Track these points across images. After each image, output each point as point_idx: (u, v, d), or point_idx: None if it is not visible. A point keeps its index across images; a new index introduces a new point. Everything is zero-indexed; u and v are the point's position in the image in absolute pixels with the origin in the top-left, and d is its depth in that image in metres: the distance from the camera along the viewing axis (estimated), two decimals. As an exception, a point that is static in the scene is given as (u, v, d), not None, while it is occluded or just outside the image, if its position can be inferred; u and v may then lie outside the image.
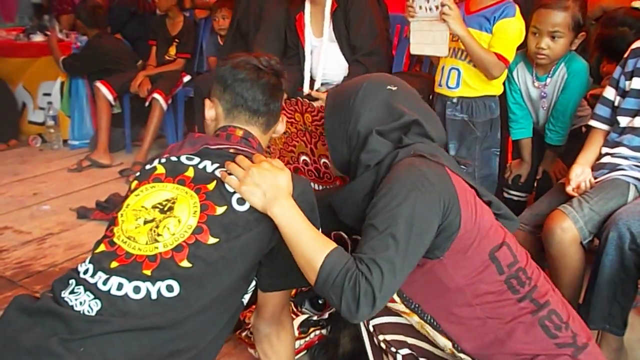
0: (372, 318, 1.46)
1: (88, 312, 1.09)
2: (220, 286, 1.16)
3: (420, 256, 1.16)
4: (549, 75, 2.16)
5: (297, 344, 1.85)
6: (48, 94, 4.39)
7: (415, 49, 2.17)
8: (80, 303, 1.11)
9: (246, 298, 1.29)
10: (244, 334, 1.86)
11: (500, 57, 2.05)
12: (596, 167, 1.88)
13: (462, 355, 1.28)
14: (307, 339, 1.88)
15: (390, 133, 1.31)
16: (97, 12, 4.21)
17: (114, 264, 1.14)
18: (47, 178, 3.75)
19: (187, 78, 4.06)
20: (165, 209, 1.21)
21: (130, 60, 4.27)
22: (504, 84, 2.23)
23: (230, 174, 1.21)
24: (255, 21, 3.00)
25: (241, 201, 1.20)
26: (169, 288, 1.12)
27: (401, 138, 1.30)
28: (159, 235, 1.17)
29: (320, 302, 1.94)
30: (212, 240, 1.16)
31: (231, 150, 1.29)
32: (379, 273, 1.07)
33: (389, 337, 1.42)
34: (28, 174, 3.81)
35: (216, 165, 1.26)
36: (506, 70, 2.14)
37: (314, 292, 1.90)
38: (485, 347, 1.23)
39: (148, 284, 1.12)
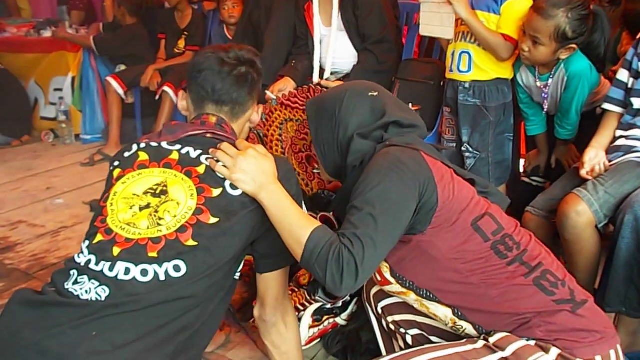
0: (380, 300, 1.50)
1: (97, 298, 1.10)
2: (221, 261, 1.20)
3: (400, 232, 1.22)
4: (551, 76, 2.08)
5: (311, 332, 1.86)
6: (59, 89, 4.42)
7: (424, 30, 2.21)
8: (86, 292, 1.12)
9: (237, 276, 1.32)
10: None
11: (507, 38, 2.04)
12: (610, 150, 1.86)
13: (463, 324, 1.30)
14: (321, 327, 1.89)
15: (371, 133, 1.38)
16: (140, 1, 4.28)
17: (116, 250, 1.16)
18: (60, 172, 3.78)
19: (197, 71, 4.06)
20: (158, 192, 1.24)
21: (151, 54, 4.30)
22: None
23: (218, 161, 1.27)
24: (266, 12, 3.00)
25: (234, 186, 1.25)
26: (176, 268, 1.14)
27: (382, 136, 1.37)
28: (160, 219, 1.20)
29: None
30: (212, 220, 1.21)
31: (208, 135, 1.34)
32: (360, 245, 1.14)
33: (397, 318, 1.47)
34: (41, 169, 3.84)
35: (199, 151, 1.30)
36: (516, 52, 2.11)
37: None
38: (484, 311, 1.26)
39: (155, 266, 1.14)
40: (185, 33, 4.11)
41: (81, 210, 3.14)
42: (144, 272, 1.13)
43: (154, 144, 1.33)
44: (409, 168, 1.23)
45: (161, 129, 1.37)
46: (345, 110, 1.41)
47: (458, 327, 1.32)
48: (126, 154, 1.33)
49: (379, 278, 1.38)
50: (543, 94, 2.13)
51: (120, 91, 4.00)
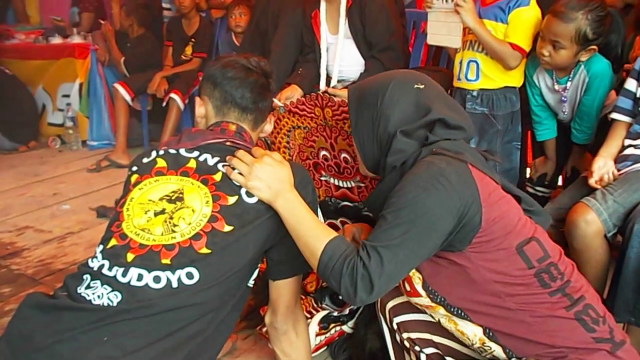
0: (397, 315, 1.44)
1: (108, 304, 1.10)
2: (234, 268, 1.20)
3: (428, 251, 1.17)
4: (570, 79, 2.08)
5: (318, 339, 1.85)
6: (67, 96, 4.46)
7: (432, 39, 2.22)
8: (99, 297, 1.12)
9: (251, 283, 1.32)
10: (264, 329, 1.86)
11: (515, 46, 2.04)
12: (619, 159, 1.85)
13: (492, 345, 1.26)
14: (328, 334, 1.88)
15: (415, 132, 1.29)
16: (147, 10, 4.33)
17: (130, 256, 1.16)
18: (66, 178, 3.80)
19: (203, 77, 4.08)
20: (174, 198, 1.24)
21: (160, 60, 4.34)
22: (524, 80, 2.20)
23: (234, 169, 1.26)
24: (273, 19, 3.01)
25: (250, 193, 1.25)
26: (189, 275, 1.14)
27: (427, 136, 1.28)
28: (175, 225, 1.19)
29: (340, 297, 1.93)
30: (227, 228, 1.20)
31: (228, 144, 1.34)
32: (378, 260, 1.11)
33: (413, 335, 1.41)
34: (48, 175, 3.86)
35: (217, 158, 1.29)
36: (524, 61, 2.12)
37: (334, 288, 1.90)
38: (518, 337, 1.21)
39: (168, 272, 1.14)
40: (193, 40, 4.14)
41: (87, 216, 3.15)
42: (157, 279, 1.13)
43: (172, 151, 1.32)
44: (452, 184, 1.15)
45: (181, 135, 1.36)
46: (387, 102, 1.31)
47: (486, 347, 1.28)
48: (144, 160, 1.34)
49: (408, 288, 1.33)
50: (562, 98, 2.13)
51: (128, 98, 4.02)
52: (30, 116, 4.51)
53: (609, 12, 1.97)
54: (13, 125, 4.35)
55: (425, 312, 1.40)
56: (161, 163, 1.31)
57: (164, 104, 3.94)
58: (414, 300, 1.35)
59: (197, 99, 1.45)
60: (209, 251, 1.17)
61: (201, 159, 1.30)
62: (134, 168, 1.34)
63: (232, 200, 1.24)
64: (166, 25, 4.38)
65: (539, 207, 1.36)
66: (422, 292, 1.29)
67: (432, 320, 1.39)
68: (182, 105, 3.94)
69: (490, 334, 1.25)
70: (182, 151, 1.32)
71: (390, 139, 1.30)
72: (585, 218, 1.69)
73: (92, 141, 4.40)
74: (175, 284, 1.13)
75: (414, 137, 1.29)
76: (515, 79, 2.16)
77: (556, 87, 2.12)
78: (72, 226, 3.03)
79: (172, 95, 3.90)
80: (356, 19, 2.59)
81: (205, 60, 4.17)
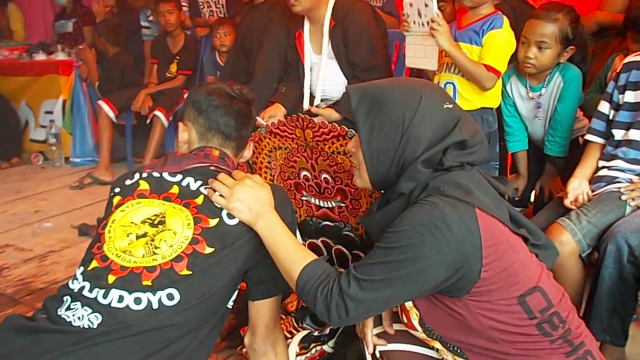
0: (382, 344, 1.42)
1: (89, 325, 1.11)
2: (214, 289, 1.22)
3: (418, 293, 1.15)
4: (544, 85, 2.19)
5: (299, 359, 1.85)
6: (50, 112, 4.46)
7: (409, 61, 2.29)
8: (79, 318, 1.12)
9: (231, 304, 1.33)
10: (244, 350, 1.86)
11: (490, 68, 2.09)
12: (593, 180, 1.90)
13: None
14: (309, 354, 1.88)
15: (434, 157, 1.19)
16: (119, 30, 4.34)
17: (111, 278, 1.16)
18: (48, 195, 3.78)
19: (188, 95, 4.10)
20: (156, 222, 1.25)
21: (140, 77, 4.35)
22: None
23: (215, 191, 1.27)
24: (258, 38, 3.04)
25: (231, 215, 1.27)
26: (170, 296, 1.15)
27: (440, 160, 1.19)
28: (156, 247, 1.21)
29: (321, 317, 1.94)
30: (208, 250, 1.22)
31: (212, 168, 1.36)
32: (358, 292, 1.11)
33: None
34: (30, 192, 3.84)
35: (199, 182, 1.31)
36: (500, 82, 2.17)
37: (314, 307, 1.91)
38: None
39: (149, 294, 1.15)
40: (177, 57, 4.16)
41: (69, 234, 3.13)
42: (137, 300, 1.14)
43: (156, 174, 1.33)
44: (452, 233, 1.08)
45: (165, 158, 1.38)
46: (418, 122, 1.18)
47: None
48: (127, 182, 1.35)
49: (405, 320, 1.30)
50: (537, 104, 2.21)
51: (112, 115, 4.02)
52: (13, 132, 4.49)
53: (579, 16, 2.14)
54: (-5, 142, 4.33)
55: (410, 343, 1.39)
56: (144, 185, 1.32)
57: (148, 121, 3.95)
58: (411, 331, 1.33)
59: (181, 124, 1.46)
60: (190, 272, 1.18)
61: (184, 183, 1.31)
62: (117, 189, 1.35)
63: (213, 222, 1.25)
64: (151, 43, 4.40)
65: (547, 241, 1.30)
66: (419, 328, 1.27)
67: (417, 351, 1.39)
68: (166, 123, 3.95)
69: None
70: (166, 175, 1.33)
71: (410, 163, 1.20)
72: (560, 239, 1.72)
73: (75, 158, 4.40)
74: (155, 305, 1.14)
75: (431, 164, 1.19)
76: (491, 100, 2.21)
77: (530, 94, 2.22)
78: (54, 244, 3.01)
79: (156, 112, 3.91)
80: (339, 39, 2.63)
81: (190, 77, 4.20)
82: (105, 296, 1.14)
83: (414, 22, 2.15)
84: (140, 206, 1.28)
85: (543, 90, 2.18)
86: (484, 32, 2.11)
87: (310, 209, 1.96)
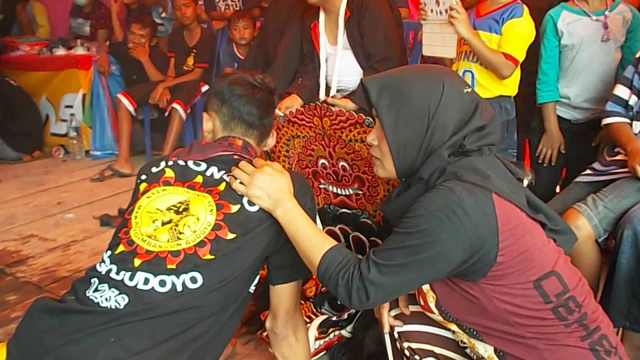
0: (398, 325, 1.45)
1: (116, 306, 1.15)
2: (236, 273, 1.25)
3: (436, 276, 1.17)
4: (608, 10, 2.19)
5: (317, 344, 1.89)
6: (70, 106, 4.53)
7: (427, 50, 2.30)
8: (106, 299, 1.16)
9: (252, 289, 1.36)
10: (265, 334, 1.90)
11: (509, 56, 2.10)
12: (609, 163, 1.90)
13: None
14: (327, 339, 1.92)
15: (457, 141, 1.20)
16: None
17: (137, 261, 1.20)
18: (70, 188, 3.85)
19: (205, 88, 4.15)
20: (180, 210, 1.29)
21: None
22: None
23: (236, 179, 1.31)
24: (280, 28, 3.07)
25: (251, 202, 1.30)
26: (193, 279, 1.19)
27: (461, 144, 1.20)
28: (180, 233, 1.24)
29: (339, 302, 1.97)
30: (230, 235, 1.25)
31: (235, 157, 1.39)
32: (377, 276, 1.13)
33: (414, 345, 1.42)
34: (52, 184, 3.92)
35: (223, 172, 1.35)
36: (518, 70, 2.17)
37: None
38: None
39: (173, 277, 1.18)
40: (194, 51, 4.20)
41: (91, 224, 3.20)
42: (162, 283, 1.18)
43: (181, 162, 1.37)
44: (469, 218, 1.09)
45: (191, 147, 1.42)
46: (443, 110, 1.19)
47: None
48: (153, 169, 1.38)
49: (422, 303, 1.32)
50: (604, 25, 2.20)
51: (130, 108, 4.08)
52: (35, 126, 4.57)
53: None
54: (17, 136, 4.41)
55: (427, 324, 1.41)
56: (169, 173, 1.36)
57: (167, 114, 4.00)
58: (427, 313, 1.35)
59: (205, 114, 1.50)
60: (213, 257, 1.22)
61: (208, 173, 1.34)
62: (143, 177, 1.39)
63: (234, 208, 1.28)
64: (168, 36, 4.45)
65: (565, 226, 1.30)
66: (435, 310, 1.30)
67: (438, 333, 1.41)
68: (184, 115, 4.00)
69: (501, 354, 1.23)
70: (191, 163, 1.36)
71: (436, 150, 1.20)
72: (576, 223, 1.72)
73: (95, 151, 4.47)
74: (179, 288, 1.18)
75: (451, 150, 1.20)
76: (509, 88, 2.21)
77: (594, 18, 2.21)
78: (76, 234, 3.08)
79: (175, 105, 3.96)
80: (354, 30, 2.64)
81: (207, 70, 4.24)
82: (131, 278, 1.18)
83: (432, 11, 2.15)
84: (165, 193, 1.32)
85: (607, 13, 2.19)
86: (504, 20, 2.12)
87: (328, 197, 1.99)
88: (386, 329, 1.46)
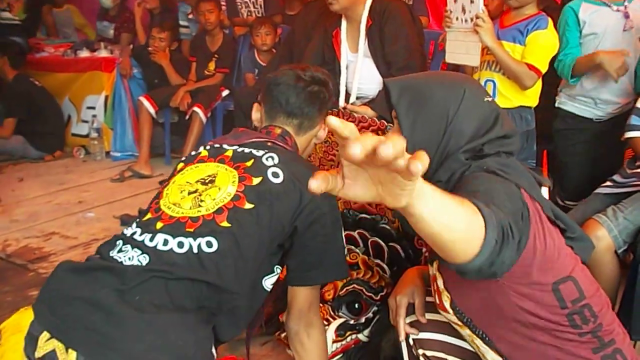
0: (413, 332, 1.45)
1: (138, 264, 1.20)
2: (251, 249, 1.28)
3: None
4: (627, 0, 2.17)
5: (334, 347, 1.90)
6: (92, 107, 4.59)
7: (450, 57, 2.32)
8: (129, 258, 1.22)
9: (268, 286, 1.38)
10: (282, 335, 1.92)
11: (532, 67, 2.11)
12: (630, 175, 1.90)
13: None
14: (344, 342, 1.93)
15: (475, 147, 1.19)
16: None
17: (159, 225, 1.27)
18: (90, 187, 3.91)
19: (225, 92, 4.20)
20: (207, 181, 1.35)
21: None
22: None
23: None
24: (307, 34, 3.12)
25: (275, 174, 1.34)
26: (209, 244, 1.24)
27: (481, 148, 1.19)
28: (202, 201, 1.31)
29: (356, 306, 1.99)
30: (248, 205, 1.30)
31: (269, 144, 1.44)
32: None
33: (429, 353, 1.42)
34: (73, 183, 3.98)
35: (253, 149, 1.41)
36: (540, 82, 2.19)
37: (350, 297, 1.95)
38: None
39: (190, 239, 1.24)
40: (216, 56, 4.25)
41: (111, 223, 3.24)
42: (180, 244, 1.23)
43: (217, 145, 1.45)
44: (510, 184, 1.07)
45: (230, 133, 1.50)
46: (462, 115, 1.19)
47: None
48: (192, 153, 1.47)
49: (438, 302, 1.31)
50: (625, 15, 2.17)
51: (152, 110, 4.14)
52: (57, 127, 4.64)
53: None
54: (40, 135, 4.49)
55: (443, 333, 1.41)
56: (204, 153, 1.44)
57: (187, 117, 4.06)
58: (443, 314, 1.34)
59: (255, 105, 1.58)
60: (229, 225, 1.27)
61: (239, 150, 1.41)
62: (183, 158, 1.48)
63: (256, 180, 1.33)
64: (190, 41, 4.51)
65: (582, 234, 1.27)
66: (450, 310, 1.28)
67: (449, 341, 1.41)
68: (204, 119, 4.05)
69: None
70: (225, 145, 1.44)
71: (452, 155, 1.19)
72: (596, 234, 1.74)
73: (115, 152, 4.53)
74: (195, 250, 1.23)
75: (472, 153, 1.19)
76: (531, 98, 2.23)
77: (614, 8, 2.19)
78: (97, 233, 3.12)
79: (195, 108, 4.02)
80: (376, 38, 2.67)
81: (228, 75, 4.29)
82: (151, 239, 1.24)
83: (457, 18, 2.18)
84: (197, 169, 1.39)
85: (627, 3, 2.17)
86: (529, 31, 2.14)
87: (348, 202, 2.02)
88: (402, 337, 1.46)
